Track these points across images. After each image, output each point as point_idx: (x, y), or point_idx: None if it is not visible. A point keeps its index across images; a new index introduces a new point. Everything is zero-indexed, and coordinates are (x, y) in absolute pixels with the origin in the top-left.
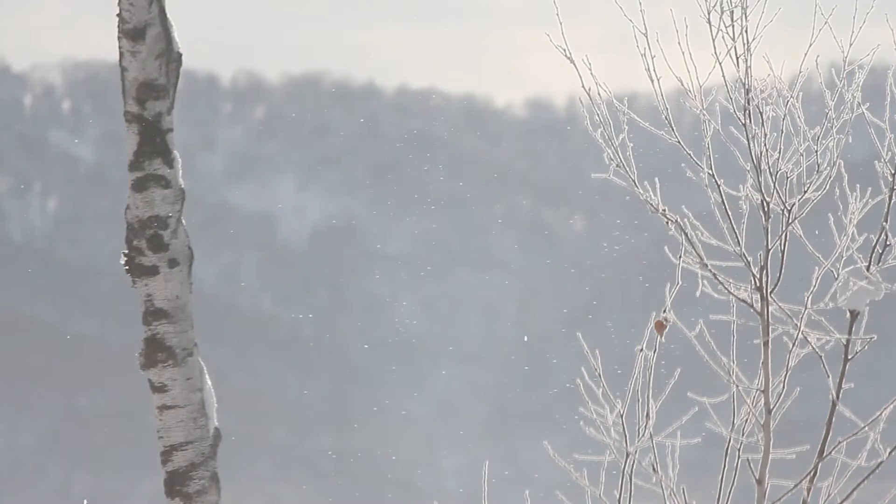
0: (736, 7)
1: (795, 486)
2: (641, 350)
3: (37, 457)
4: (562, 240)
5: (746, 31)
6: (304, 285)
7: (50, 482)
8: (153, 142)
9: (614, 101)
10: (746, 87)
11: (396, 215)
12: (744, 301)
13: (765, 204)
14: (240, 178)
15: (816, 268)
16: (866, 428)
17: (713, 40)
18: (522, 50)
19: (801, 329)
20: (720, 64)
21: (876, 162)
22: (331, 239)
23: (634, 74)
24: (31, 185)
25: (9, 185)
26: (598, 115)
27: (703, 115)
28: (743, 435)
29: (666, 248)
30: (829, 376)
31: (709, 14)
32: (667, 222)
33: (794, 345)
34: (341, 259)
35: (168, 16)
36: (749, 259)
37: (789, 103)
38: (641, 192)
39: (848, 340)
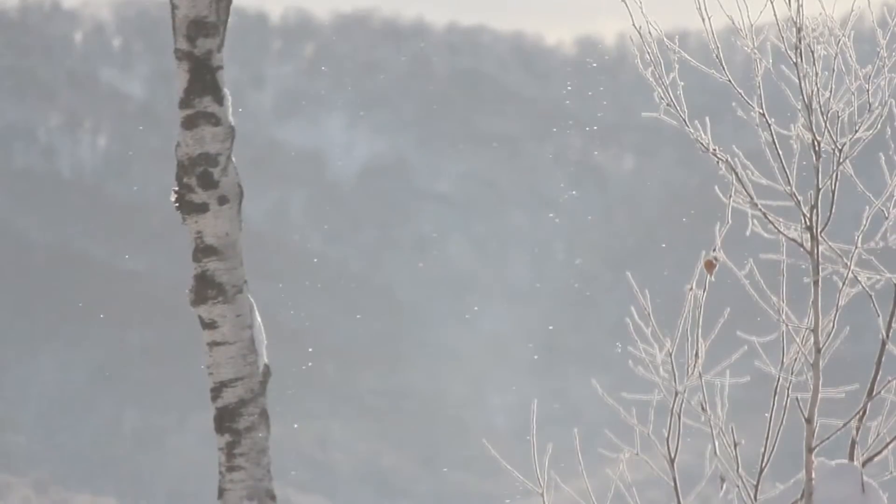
0: None
1: (844, 424)
2: (691, 289)
3: (87, 392)
4: (611, 179)
5: None
6: (353, 223)
7: (100, 417)
8: (203, 79)
9: (665, 39)
10: (798, 25)
11: (445, 153)
12: (794, 240)
13: (815, 143)
14: (289, 116)
15: (867, 207)
16: None
17: None
18: None
19: (851, 268)
20: (771, 2)
21: None
22: (379, 177)
23: (685, 12)
24: (82, 121)
25: (59, 122)
26: (648, 53)
27: (755, 53)
28: (792, 374)
29: (716, 187)
30: (878, 315)
31: None
32: (717, 162)
33: (843, 284)
34: (390, 197)
35: None
36: (799, 198)
37: (841, 42)
38: (692, 131)
39: None
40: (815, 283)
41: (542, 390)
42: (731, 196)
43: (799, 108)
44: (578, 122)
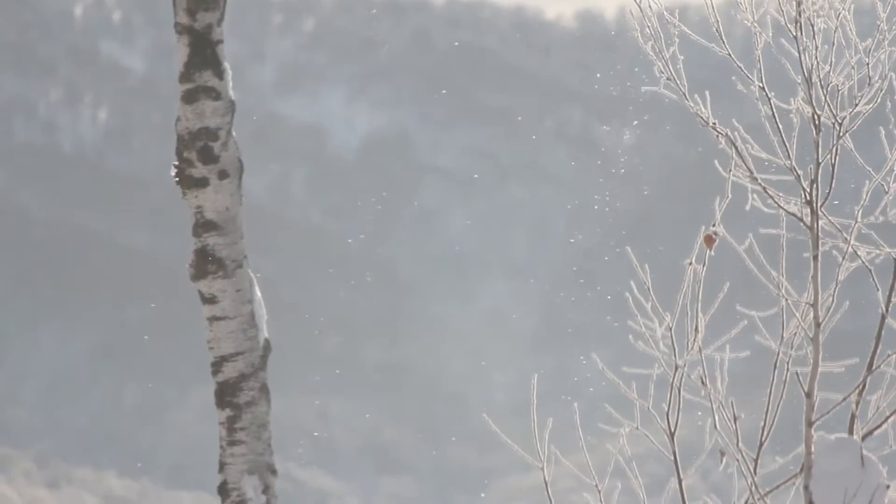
0: None
1: (844, 399)
2: (691, 263)
3: (88, 367)
4: (612, 153)
5: None
6: (354, 198)
7: (101, 392)
8: (203, 53)
9: (665, 13)
10: None
11: (446, 128)
12: (793, 215)
13: (815, 117)
14: (289, 90)
15: (867, 181)
16: None
17: None
18: None
19: (851, 243)
20: None
21: None
22: (380, 151)
23: None
24: (82, 96)
25: (59, 97)
26: (648, 27)
27: (754, 27)
28: (792, 348)
29: (716, 161)
30: (878, 290)
31: None
32: (717, 136)
33: (843, 258)
34: (390, 172)
35: None
36: (799, 172)
37: (841, 15)
38: (692, 105)
39: None
40: (815, 257)
41: (543, 365)
42: (730, 170)
43: (799, 81)
44: (578, 96)
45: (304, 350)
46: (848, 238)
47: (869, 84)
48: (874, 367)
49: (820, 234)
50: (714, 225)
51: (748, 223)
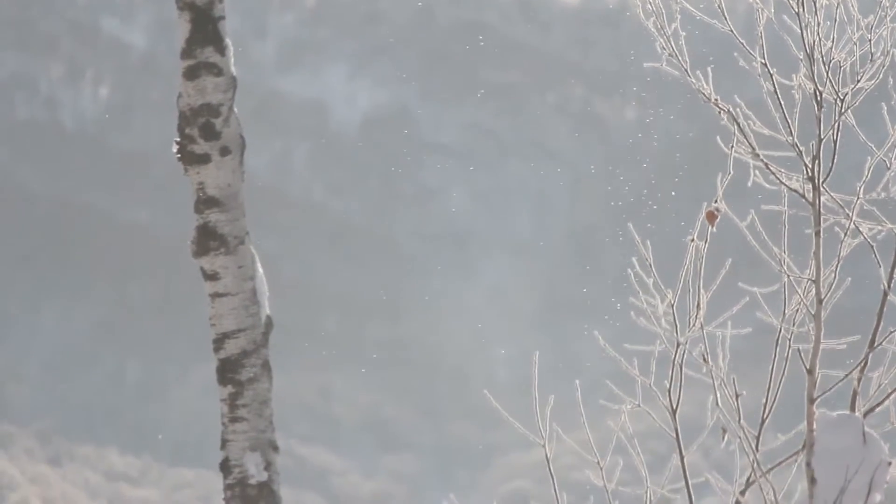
0: None
1: (846, 376)
2: (693, 240)
3: (90, 344)
4: (614, 129)
5: None
6: (355, 174)
7: (103, 370)
8: (205, 29)
9: None
10: None
11: (448, 104)
12: (795, 191)
13: (818, 93)
14: (291, 67)
15: (869, 157)
16: None
17: None
18: None
19: (853, 219)
20: None
21: None
22: (382, 128)
23: None
24: (83, 72)
25: (61, 73)
26: (650, 3)
27: (756, 3)
28: (794, 325)
29: (718, 137)
30: (880, 266)
31: None
32: (719, 112)
33: (845, 235)
34: (392, 148)
35: None
36: (801, 149)
37: None
38: (694, 81)
39: None
40: (817, 233)
41: (544, 342)
42: (732, 146)
43: (801, 57)
44: (580, 72)
45: (305, 327)
46: (850, 214)
47: (871, 60)
48: (876, 344)
49: (822, 210)
50: (716, 201)
51: (750, 199)
